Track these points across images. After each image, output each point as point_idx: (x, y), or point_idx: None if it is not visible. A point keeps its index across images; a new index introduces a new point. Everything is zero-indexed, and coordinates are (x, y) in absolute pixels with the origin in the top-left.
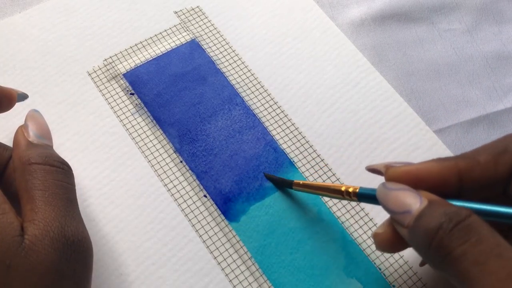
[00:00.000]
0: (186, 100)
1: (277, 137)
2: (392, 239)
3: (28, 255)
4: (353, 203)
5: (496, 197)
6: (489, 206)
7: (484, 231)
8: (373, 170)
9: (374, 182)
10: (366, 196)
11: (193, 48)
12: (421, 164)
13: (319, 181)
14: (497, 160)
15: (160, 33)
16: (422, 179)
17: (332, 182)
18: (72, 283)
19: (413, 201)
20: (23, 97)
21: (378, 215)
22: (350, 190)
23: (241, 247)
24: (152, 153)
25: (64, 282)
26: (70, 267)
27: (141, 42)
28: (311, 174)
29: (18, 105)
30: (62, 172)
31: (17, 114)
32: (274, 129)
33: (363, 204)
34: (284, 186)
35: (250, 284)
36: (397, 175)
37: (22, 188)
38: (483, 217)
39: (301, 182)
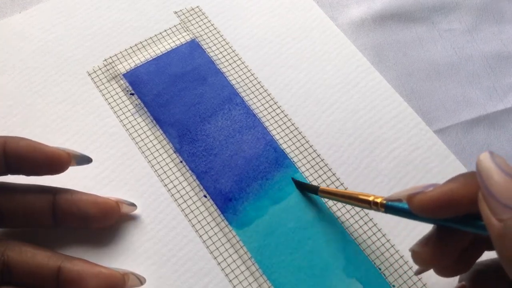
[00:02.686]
0: (186, 100)
1: (277, 137)
2: (433, 256)
3: None
4: None
5: None
6: None
7: None
8: (393, 201)
9: (375, 181)
10: (395, 209)
11: (193, 48)
12: (447, 188)
13: (322, 183)
14: None
15: (160, 33)
16: (453, 204)
17: (333, 183)
18: None
19: None
20: (86, 160)
21: (378, 214)
22: (378, 200)
23: (241, 247)
24: (152, 153)
25: None
26: None
27: (141, 42)
28: (311, 174)
29: (17, 104)
30: None
31: (17, 114)
32: (274, 129)
33: None
34: (309, 191)
35: (250, 284)
36: (425, 205)
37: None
38: None
39: (326, 189)
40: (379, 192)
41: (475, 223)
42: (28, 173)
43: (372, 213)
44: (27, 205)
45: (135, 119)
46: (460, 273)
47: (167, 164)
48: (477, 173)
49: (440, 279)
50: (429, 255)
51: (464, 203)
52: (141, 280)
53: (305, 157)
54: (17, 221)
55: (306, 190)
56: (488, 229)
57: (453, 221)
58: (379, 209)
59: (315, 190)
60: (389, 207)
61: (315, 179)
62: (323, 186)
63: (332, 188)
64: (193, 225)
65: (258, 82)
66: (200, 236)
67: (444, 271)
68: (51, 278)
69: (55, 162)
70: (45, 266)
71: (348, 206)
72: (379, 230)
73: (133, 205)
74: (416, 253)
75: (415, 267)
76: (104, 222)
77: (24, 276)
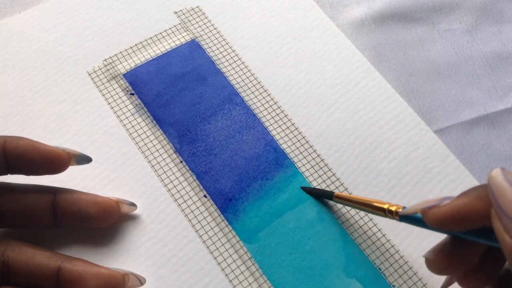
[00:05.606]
0: (186, 100)
1: (277, 137)
2: (447, 264)
3: None
4: None
5: None
6: None
7: None
8: (408, 214)
9: (375, 181)
10: (409, 218)
11: (193, 48)
12: (461, 202)
13: (322, 183)
14: None
15: (160, 33)
16: (468, 218)
17: (333, 183)
18: None
19: None
20: (86, 160)
21: None
22: (393, 209)
23: (241, 247)
24: (152, 153)
25: None
26: None
27: (141, 42)
28: (311, 174)
29: (17, 104)
30: None
31: (17, 114)
32: (274, 129)
33: None
34: (323, 197)
35: (250, 284)
36: (440, 219)
37: None
38: None
39: (341, 195)
40: (379, 192)
41: (490, 236)
42: (28, 172)
43: None
44: (27, 205)
45: (135, 119)
46: (485, 285)
47: (167, 164)
48: (489, 190)
49: (441, 280)
50: (443, 263)
51: (478, 217)
52: (141, 281)
53: (305, 157)
54: (17, 220)
55: (320, 196)
56: (502, 246)
57: (468, 233)
58: (394, 217)
59: (329, 195)
60: (404, 216)
61: (315, 179)
62: (323, 186)
63: (347, 194)
64: (193, 225)
65: (258, 82)
66: (200, 236)
67: (467, 283)
68: (51, 278)
69: (55, 161)
70: (45, 266)
71: (348, 206)
72: (379, 230)
73: (133, 205)
74: (430, 261)
75: (415, 267)
76: (105, 222)
77: (24, 276)
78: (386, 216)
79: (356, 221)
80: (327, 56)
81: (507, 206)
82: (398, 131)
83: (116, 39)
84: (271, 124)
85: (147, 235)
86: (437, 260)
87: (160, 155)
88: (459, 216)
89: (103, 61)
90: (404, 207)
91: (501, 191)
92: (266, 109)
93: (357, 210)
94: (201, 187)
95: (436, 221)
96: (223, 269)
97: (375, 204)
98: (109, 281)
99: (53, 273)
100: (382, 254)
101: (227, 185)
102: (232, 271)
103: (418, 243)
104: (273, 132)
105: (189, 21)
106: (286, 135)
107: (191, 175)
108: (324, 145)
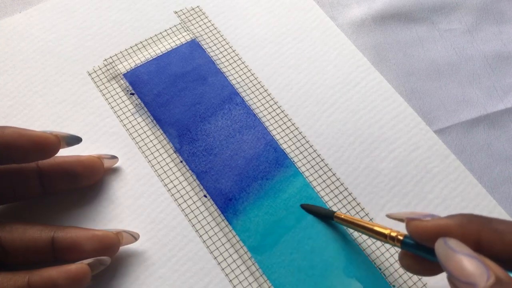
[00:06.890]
0: (186, 100)
1: (277, 137)
2: (418, 267)
3: None
4: (353, 203)
5: None
6: None
7: None
8: (394, 218)
9: (375, 181)
10: (411, 246)
11: (193, 48)
12: (442, 222)
13: (322, 183)
14: None
15: (160, 33)
16: (441, 236)
17: (333, 183)
18: None
19: (478, 273)
20: (76, 139)
21: (378, 215)
22: (394, 234)
23: (241, 247)
24: (152, 153)
25: None
26: None
27: (141, 42)
28: (311, 174)
29: (17, 104)
30: None
31: (17, 114)
32: (274, 129)
33: (363, 204)
34: (323, 217)
35: (250, 284)
36: (419, 230)
37: None
38: None
39: (342, 216)
40: (380, 192)
41: None
42: (18, 160)
43: (372, 213)
44: (13, 174)
45: (135, 119)
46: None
47: (167, 164)
48: (438, 258)
49: (441, 280)
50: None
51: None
52: (135, 236)
53: (305, 157)
54: (3, 189)
55: (320, 215)
56: None
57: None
58: (396, 244)
59: (329, 215)
60: (406, 244)
61: (315, 179)
62: (323, 187)
63: (348, 215)
64: (193, 225)
65: (258, 82)
66: (200, 236)
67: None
68: (47, 249)
69: (44, 146)
70: (39, 239)
71: (348, 206)
72: None
73: (114, 157)
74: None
75: None
76: (92, 179)
77: (20, 253)
78: (387, 242)
79: None
80: (327, 56)
81: (454, 270)
82: (398, 131)
83: (116, 39)
84: (271, 124)
85: (147, 235)
86: (410, 264)
87: (160, 155)
88: (437, 234)
89: (103, 61)
90: (406, 235)
91: (447, 257)
92: (266, 109)
93: (357, 210)
94: (201, 187)
95: (416, 232)
96: (223, 269)
97: (376, 228)
98: (104, 242)
99: (47, 244)
100: (382, 254)
101: (227, 185)
102: (232, 271)
103: None
104: (273, 132)
105: (189, 21)
106: (286, 135)
107: (191, 175)
108: (324, 145)
